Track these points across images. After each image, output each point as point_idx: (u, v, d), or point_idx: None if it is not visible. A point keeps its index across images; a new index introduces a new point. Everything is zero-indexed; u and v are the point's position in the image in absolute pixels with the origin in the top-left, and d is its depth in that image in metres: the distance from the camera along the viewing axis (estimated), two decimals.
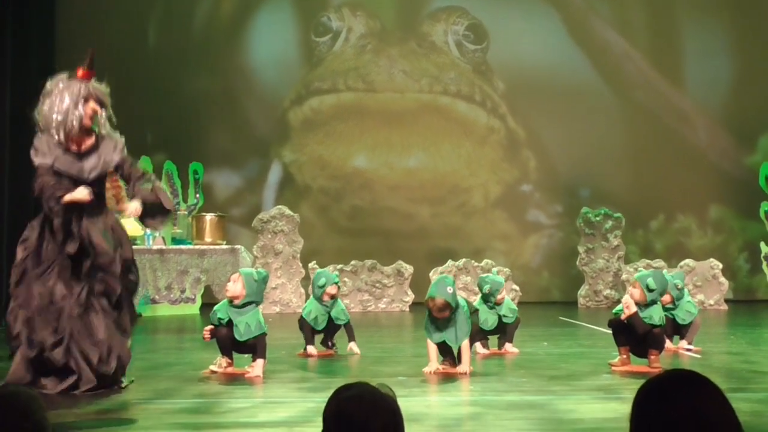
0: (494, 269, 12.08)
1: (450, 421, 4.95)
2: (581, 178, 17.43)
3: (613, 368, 6.99)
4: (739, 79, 17.56)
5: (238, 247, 14.15)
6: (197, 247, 14.03)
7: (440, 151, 17.38)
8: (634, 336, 6.98)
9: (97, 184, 6.12)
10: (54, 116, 5.97)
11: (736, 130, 17.33)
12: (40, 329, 5.88)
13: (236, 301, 6.84)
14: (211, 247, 14.03)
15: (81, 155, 6.06)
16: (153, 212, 6.21)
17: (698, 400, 2.11)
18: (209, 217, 14.30)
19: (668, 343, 8.21)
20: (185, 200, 15.20)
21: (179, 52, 17.33)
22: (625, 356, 7.05)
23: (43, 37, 16.54)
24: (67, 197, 5.87)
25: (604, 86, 17.59)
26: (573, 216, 16.22)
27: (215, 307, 6.99)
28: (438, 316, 6.72)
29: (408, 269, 15.02)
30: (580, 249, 15.63)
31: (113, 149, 6.16)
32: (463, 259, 15.13)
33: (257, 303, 6.96)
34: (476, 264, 15.02)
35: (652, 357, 6.97)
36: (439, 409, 5.43)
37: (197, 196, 15.33)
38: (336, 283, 8.28)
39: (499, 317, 8.34)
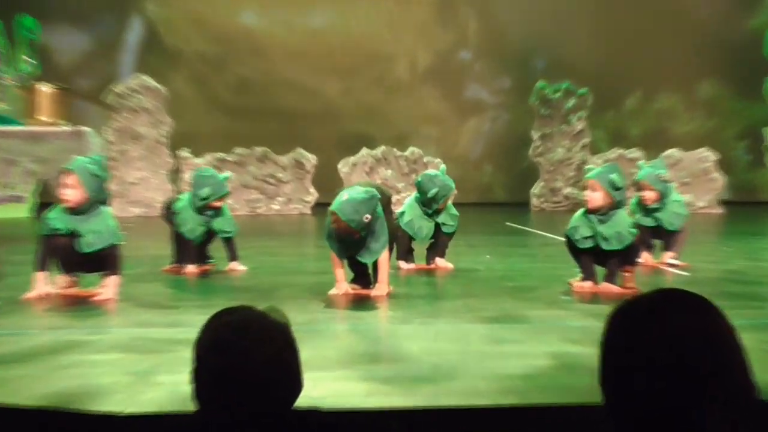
0: (442, 166, 11.90)
1: (364, 357, 4.90)
2: (537, 43, 17.45)
3: (575, 288, 6.97)
4: None
5: (85, 129, 13.90)
6: (30, 128, 13.73)
7: (354, 8, 17.22)
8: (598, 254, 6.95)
9: None
10: None
11: None
12: None
13: (77, 207, 6.63)
14: (49, 129, 13.74)
15: None
16: None
17: (694, 329, 1.86)
18: (46, 89, 14.01)
19: (647, 256, 8.27)
20: (14, 66, 14.85)
21: None
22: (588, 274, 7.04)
23: None
24: None
25: None
26: (525, 93, 16.24)
27: (48, 215, 6.73)
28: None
29: (311, 159, 14.95)
30: (534, 135, 15.70)
31: None
32: (383, 147, 15.11)
33: (103, 201, 6.77)
34: (399, 153, 15.01)
35: (627, 274, 6.97)
36: (350, 340, 5.40)
37: (31, 60, 14.98)
38: (224, 196, 8.17)
39: (437, 226, 8.32)
